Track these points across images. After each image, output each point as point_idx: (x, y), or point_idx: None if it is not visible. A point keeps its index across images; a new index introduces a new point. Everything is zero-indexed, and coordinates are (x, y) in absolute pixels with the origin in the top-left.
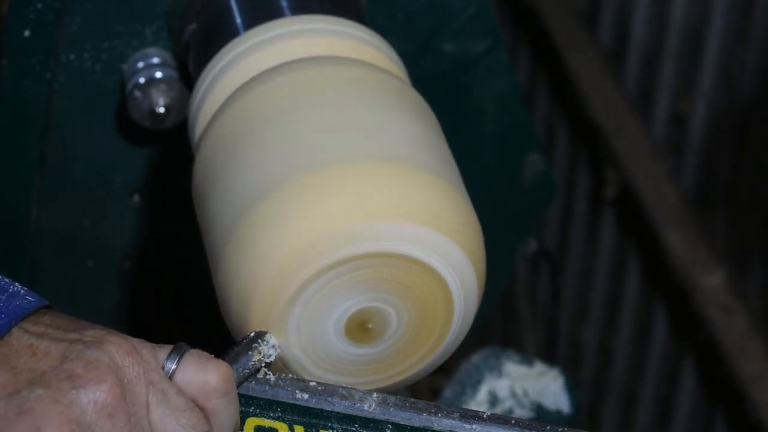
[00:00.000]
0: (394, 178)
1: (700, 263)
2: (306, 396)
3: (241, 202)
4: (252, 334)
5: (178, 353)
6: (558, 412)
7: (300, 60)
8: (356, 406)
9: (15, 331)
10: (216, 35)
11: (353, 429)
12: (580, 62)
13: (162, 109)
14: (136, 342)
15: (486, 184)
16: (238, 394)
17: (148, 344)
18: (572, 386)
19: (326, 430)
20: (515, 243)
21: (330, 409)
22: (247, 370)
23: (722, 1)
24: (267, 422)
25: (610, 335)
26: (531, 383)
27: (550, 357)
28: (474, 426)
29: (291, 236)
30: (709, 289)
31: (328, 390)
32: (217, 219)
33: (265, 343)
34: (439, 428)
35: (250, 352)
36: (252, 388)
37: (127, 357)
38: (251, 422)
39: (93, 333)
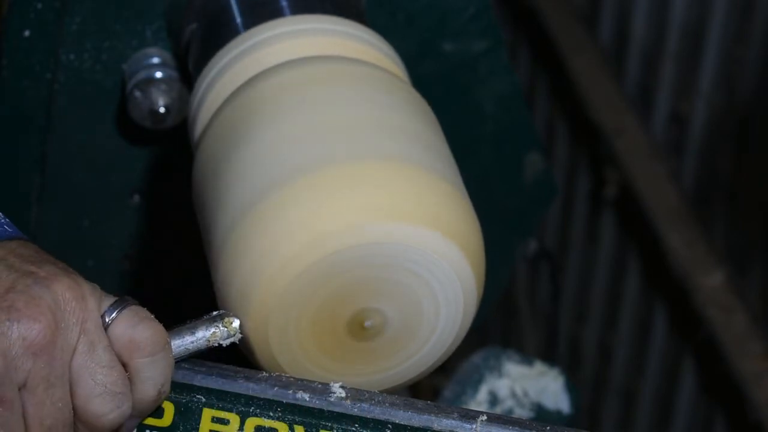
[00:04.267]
0: (394, 178)
1: (700, 263)
2: (306, 396)
3: (241, 201)
4: (215, 313)
5: (118, 306)
6: (558, 412)
7: (300, 60)
8: (356, 406)
9: None
10: (216, 35)
11: (353, 429)
12: (580, 62)
13: (162, 109)
14: (88, 288)
15: (486, 184)
16: (238, 393)
17: (99, 292)
18: (572, 386)
19: (326, 430)
20: (515, 243)
21: (330, 409)
22: (195, 344)
23: (722, 1)
24: (267, 422)
25: (610, 335)
26: (531, 383)
27: (550, 357)
28: (474, 426)
29: (290, 235)
30: (709, 289)
31: (328, 389)
32: (217, 218)
33: (227, 323)
34: (439, 428)
35: (206, 328)
36: (252, 388)
37: (72, 301)
38: (251, 422)
39: (49, 269)
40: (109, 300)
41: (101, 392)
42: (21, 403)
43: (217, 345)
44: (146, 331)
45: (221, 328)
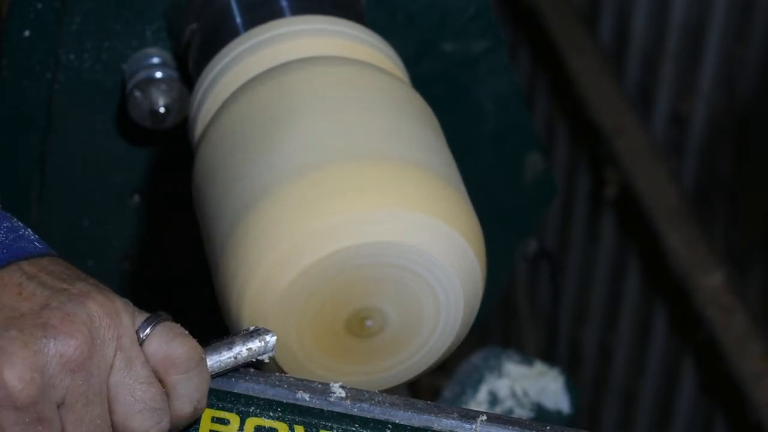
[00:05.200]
0: (394, 178)
1: (700, 263)
2: (306, 396)
3: (241, 201)
4: (252, 328)
5: (152, 321)
6: (558, 412)
7: (300, 60)
8: (356, 406)
9: (12, 267)
10: (216, 35)
11: (353, 429)
12: (580, 62)
13: (162, 109)
14: (121, 304)
15: (486, 184)
16: (239, 394)
17: (131, 308)
18: (572, 386)
19: (326, 430)
20: (515, 243)
21: (330, 409)
22: (231, 361)
23: (722, 1)
24: (267, 422)
25: (610, 335)
26: (531, 383)
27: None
28: (474, 426)
29: (290, 235)
30: (709, 289)
31: (328, 389)
32: (217, 219)
33: (261, 339)
34: (439, 428)
35: (243, 343)
36: (252, 388)
37: (106, 318)
38: (251, 422)
39: (81, 286)
40: (143, 316)
41: (141, 409)
42: (60, 421)
43: (254, 360)
44: (181, 347)
45: (258, 343)
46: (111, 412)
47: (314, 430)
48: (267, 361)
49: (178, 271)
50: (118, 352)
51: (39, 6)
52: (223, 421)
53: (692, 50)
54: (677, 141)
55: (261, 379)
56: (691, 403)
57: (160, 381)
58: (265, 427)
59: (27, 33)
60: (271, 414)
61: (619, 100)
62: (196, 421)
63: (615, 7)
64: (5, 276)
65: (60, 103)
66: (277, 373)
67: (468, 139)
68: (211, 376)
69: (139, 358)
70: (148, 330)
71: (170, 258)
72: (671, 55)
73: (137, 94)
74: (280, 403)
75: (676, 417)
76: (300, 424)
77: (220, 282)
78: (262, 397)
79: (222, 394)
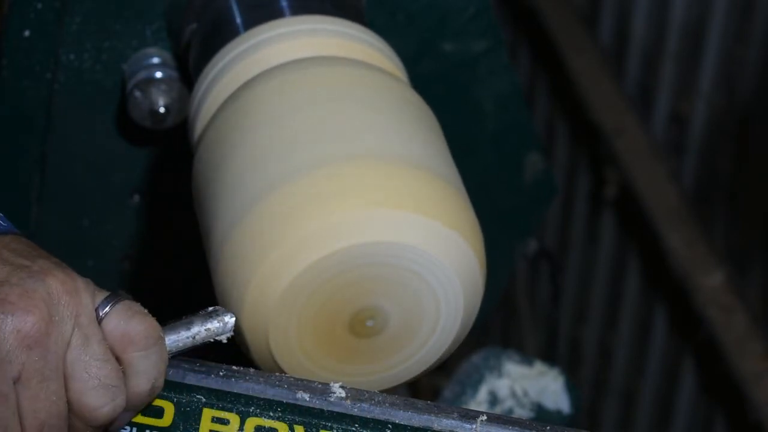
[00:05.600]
0: (394, 178)
1: (700, 263)
2: (306, 396)
3: (241, 201)
4: (211, 309)
5: (112, 300)
6: (558, 412)
7: (300, 60)
8: (356, 406)
9: None
10: (216, 35)
11: (353, 429)
12: (580, 62)
13: (162, 109)
14: (81, 282)
15: (486, 184)
16: (239, 394)
17: (92, 287)
18: (572, 386)
19: (326, 430)
20: (515, 243)
21: (330, 409)
22: (190, 341)
23: (722, 1)
24: (267, 422)
25: (610, 335)
26: (531, 383)
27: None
28: (474, 426)
29: (290, 235)
30: (709, 289)
31: (328, 389)
32: (217, 218)
33: (220, 320)
34: (439, 428)
35: (201, 323)
36: (252, 388)
37: (65, 295)
38: (251, 422)
39: (42, 263)
40: (102, 294)
41: (95, 385)
42: (15, 396)
43: (212, 341)
44: (139, 325)
45: (216, 323)
46: (66, 389)
47: (314, 430)
48: (225, 341)
49: (178, 271)
50: (76, 330)
51: (39, 6)
52: (223, 421)
53: (692, 50)
54: (677, 141)
55: (261, 379)
56: (691, 403)
57: (118, 359)
58: (265, 427)
59: (27, 33)
60: (271, 414)
61: (619, 100)
62: (196, 421)
63: (615, 7)
64: None
65: (60, 103)
66: (277, 373)
67: (468, 139)
68: (169, 355)
69: (96, 335)
70: (107, 308)
71: (170, 258)
72: (671, 55)
73: (137, 94)
74: (280, 403)
75: (676, 417)
76: (300, 424)
77: (220, 282)
78: (262, 397)
79: (222, 394)
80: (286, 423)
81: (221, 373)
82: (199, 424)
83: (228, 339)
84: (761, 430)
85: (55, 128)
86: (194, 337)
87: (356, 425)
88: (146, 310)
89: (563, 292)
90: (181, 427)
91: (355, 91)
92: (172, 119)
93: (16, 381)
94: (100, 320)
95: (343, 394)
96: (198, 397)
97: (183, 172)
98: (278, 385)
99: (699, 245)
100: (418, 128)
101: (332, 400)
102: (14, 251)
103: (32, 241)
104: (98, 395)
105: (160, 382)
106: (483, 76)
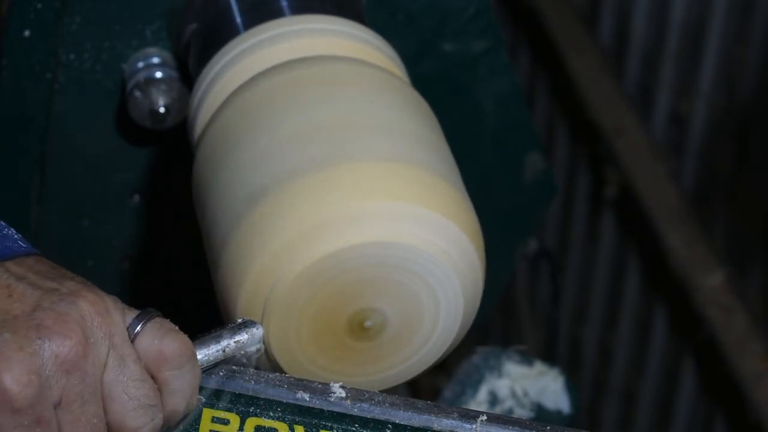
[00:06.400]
0: (394, 178)
1: (700, 263)
2: (306, 396)
3: (240, 201)
4: (240, 321)
5: (143, 318)
6: (558, 412)
7: (300, 59)
8: (356, 406)
9: None
10: (216, 35)
11: (353, 429)
12: (580, 62)
13: (162, 109)
14: (110, 302)
15: (486, 184)
16: (239, 394)
17: (121, 305)
18: (572, 386)
19: (326, 430)
20: (515, 243)
21: (330, 409)
22: (220, 354)
23: (722, 1)
24: (267, 422)
25: (610, 335)
26: (531, 383)
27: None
28: (474, 426)
29: (289, 235)
30: (709, 289)
31: (328, 389)
32: (217, 218)
33: (249, 333)
34: (439, 428)
35: (230, 336)
36: (252, 388)
37: (97, 316)
38: (251, 422)
39: (71, 285)
40: (133, 313)
41: (135, 406)
42: (57, 421)
43: (242, 353)
44: (173, 343)
45: (245, 335)
46: (106, 411)
47: (314, 430)
48: (255, 353)
49: (178, 271)
50: (111, 350)
51: (39, 6)
52: (223, 421)
53: (692, 50)
54: (677, 141)
55: (261, 379)
56: (691, 403)
57: (153, 377)
58: (265, 427)
59: (27, 33)
60: (271, 414)
61: (619, 100)
62: (195, 421)
63: (615, 7)
64: None
65: (60, 103)
66: (277, 373)
67: (468, 139)
68: (201, 370)
69: (132, 355)
70: (138, 327)
71: (170, 258)
72: (671, 55)
73: (137, 94)
74: (280, 403)
75: (676, 417)
76: (300, 424)
77: (220, 282)
78: (262, 397)
79: (222, 394)
80: (286, 423)
81: (221, 373)
82: (199, 424)
83: (258, 350)
84: (761, 430)
85: (55, 128)
86: (224, 350)
87: (356, 425)
88: (177, 327)
89: (563, 292)
90: (181, 427)
91: (355, 90)
92: (172, 119)
93: (57, 406)
94: (132, 339)
95: (343, 394)
96: (198, 397)
97: (183, 172)
98: (278, 385)
99: (699, 245)
100: (419, 128)
101: (332, 400)
102: (39, 273)
103: (32, 241)
104: (138, 416)
105: (195, 400)
106: (483, 76)
